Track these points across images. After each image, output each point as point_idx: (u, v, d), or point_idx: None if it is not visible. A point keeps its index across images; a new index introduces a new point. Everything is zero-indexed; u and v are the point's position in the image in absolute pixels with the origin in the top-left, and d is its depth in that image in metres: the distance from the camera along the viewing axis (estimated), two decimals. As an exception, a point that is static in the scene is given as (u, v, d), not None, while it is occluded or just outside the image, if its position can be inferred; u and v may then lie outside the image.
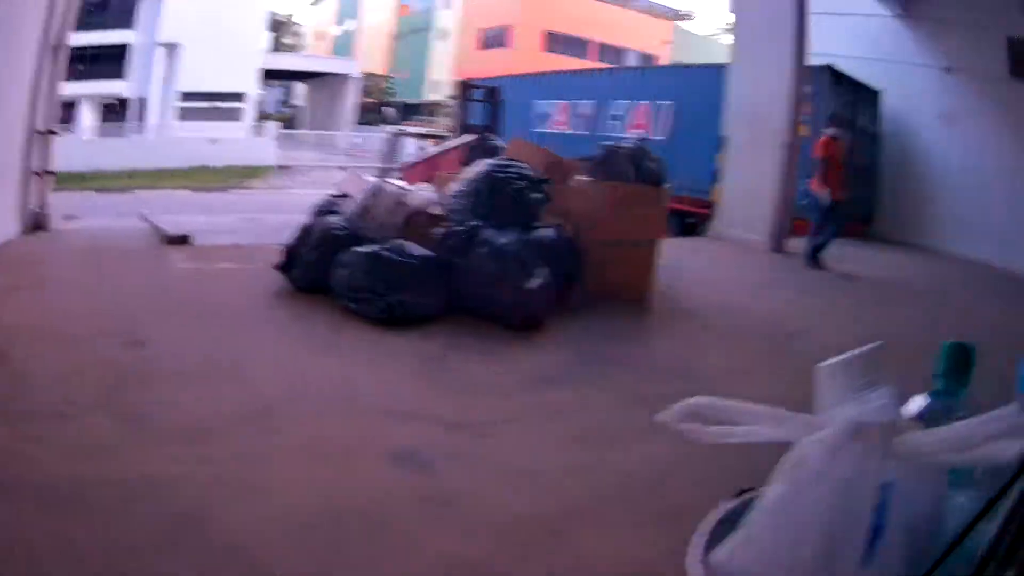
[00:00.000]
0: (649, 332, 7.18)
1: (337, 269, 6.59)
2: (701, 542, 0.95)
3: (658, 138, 17.47)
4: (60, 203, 9.88)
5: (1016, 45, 15.48)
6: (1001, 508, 0.82)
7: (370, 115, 49.03)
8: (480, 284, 6.48)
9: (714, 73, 16.40)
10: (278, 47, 49.13)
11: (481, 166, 7.67)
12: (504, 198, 7.24)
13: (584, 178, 8.11)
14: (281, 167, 33.36)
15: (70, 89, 31.83)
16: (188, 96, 35.66)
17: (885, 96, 17.64)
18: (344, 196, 8.11)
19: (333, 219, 7.26)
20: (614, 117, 19.55)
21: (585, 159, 8.87)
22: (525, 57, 40.28)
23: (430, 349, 5.75)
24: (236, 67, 36.26)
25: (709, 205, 14.01)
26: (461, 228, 6.83)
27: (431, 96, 50.16)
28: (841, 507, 0.84)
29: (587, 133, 19.91)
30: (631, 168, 7.95)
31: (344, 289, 6.47)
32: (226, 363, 5.05)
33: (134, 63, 35.31)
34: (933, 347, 1.27)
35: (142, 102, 35.49)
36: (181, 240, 9.16)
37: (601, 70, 24.46)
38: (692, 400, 0.99)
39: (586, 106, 20.60)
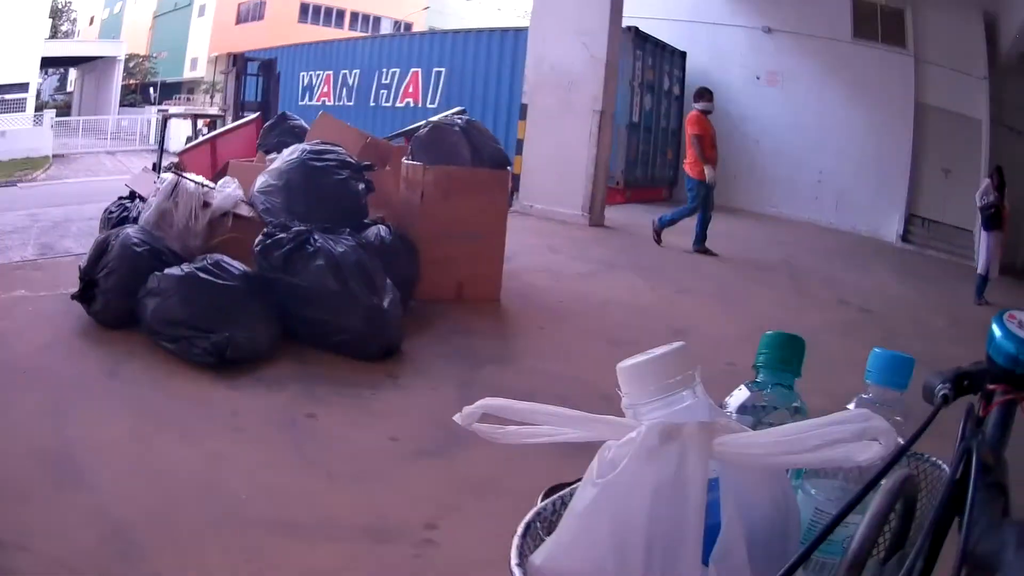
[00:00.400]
0: (525, 344, 6.00)
1: (145, 298, 4.92)
2: (517, 545, 0.88)
3: (431, 106, 16.76)
4: None
5: (863, 5, 15.75)
6: (869, 502, 0.81)
7: (132, 96, 46.23)
8: (320, 307, 4.98)
9: (495, 37, 16.43)
10: (55, 34, 46.08)
11: (292, 153, 6.13)
12: (325, 191, 5.85)
13: (410, 162, 6.65)
14: (56, 156, 31.10)
15: None
16: None
17: (692, 58, 17.58)
18: (135, 197, 6.64)
19: (130, 231, 5.47)
20: (383, 86, 18.73)
21: (405, 136, 7.86)
22: (280, 30, 38.27)
23: (284, 407, 4.27)
24: (20, 56, 33.19)
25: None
26: (283, 235, 5.20)
27: (191, 73, 47.29)
28: (665, 509, 0.80)
29: (352, 104, 19.33)
30: (466, 148, 6.58)
31: (158, 324, 4.81)
32: (59, 460, 3.46)
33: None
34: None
35: None
36: None
37: (368, 38, 22.99)
38: (486, 401, 0.90)
39: (352, 76, 19.76)
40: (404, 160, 6.77)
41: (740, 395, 1.07)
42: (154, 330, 4.87)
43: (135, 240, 5.33)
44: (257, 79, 14.08)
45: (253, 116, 10.30)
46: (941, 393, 0.89)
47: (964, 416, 0.85)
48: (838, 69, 15.61)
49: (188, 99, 44.44)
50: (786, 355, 1.08)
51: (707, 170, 10.21)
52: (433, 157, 6.49)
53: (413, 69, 18.20)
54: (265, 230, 5.36)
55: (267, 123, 8.45)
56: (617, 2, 11.53)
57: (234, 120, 12.86)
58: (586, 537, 0.81)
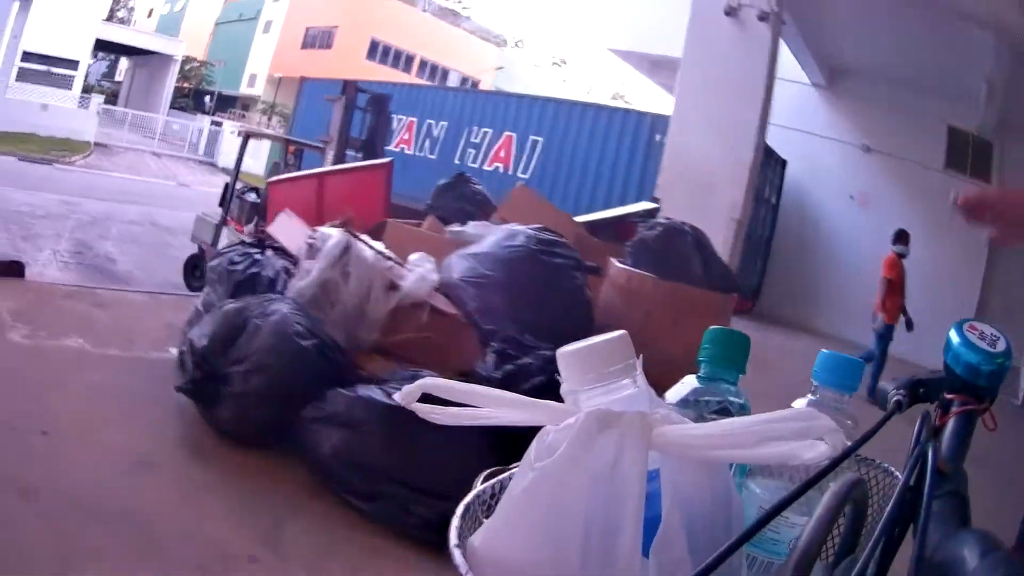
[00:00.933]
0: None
1: (319, 424, 3.50)
2: (456, 525, 0.81)
3: (523, 176, 15.91)
4: None
5: (957, 135, 15.03)
6: (813, 502, 0.77)
7: (184, 100, 44.88)
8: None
9: (603, 114, 15.55)
10: (110, 18, 45.00)
11: (512, 238, 4.75)
12: (559, 298, 4.56)
13: (628, 267, 5.35)
14: (98, 144, 29.65)
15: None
16: (29, 56, 30.97)
17: (791, 167, 16.82)
18: (265, 248, 5.04)
19: (287, 309, 3.91)
20: (471, 144, 17.59)
21: (592, 227, 6.65)
22: (347, 62, 37.36)
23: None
24: (75, 32, 31.90)
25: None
26: (530, 360, 3.86)
27: (248, 89, 46.04)
28: (603, 498, 0.76)
29: (434, 157, 18.18)
30: (698, 262, 5.35)
31: (344, 468, 3.37)
32: None
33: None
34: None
35: None
36: (10, 268, 6.18)
37: (461, 90, 22.25)
38: (424, 380, 0.88)
39: (438, 127, 18.55)
40: (616, 262, 5.46)
41: (682, 388, 1.06)
42: (335, 474, 3.42)
43: (299, 328, 3.83)
44: (364, 113, 12.66)
45: (385, 160, 9.12)
46: (895, 399, 0.91)
47: (919, 423, 0.85)
48: (926, 197, 14.72)
49: (243, 115, 43.51)
50: (731, 352, 1.06)
51: (880, 316, 9.88)
52: (663, 268, 5.21)
53: (507, 132, 17.08)
54: (495, 346, 4.06)
55: (441, 183, 7.19)
56: (767, 105, 10.76)
57: (336, 157, 11.68)
58: (523, 522, 0.80)
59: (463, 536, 0.82)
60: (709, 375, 1.06)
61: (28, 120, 27.74)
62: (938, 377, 0.91)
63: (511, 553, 0.79)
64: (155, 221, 16.82)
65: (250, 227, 9.96)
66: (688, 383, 1.06)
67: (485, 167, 17.01)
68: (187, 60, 44.71)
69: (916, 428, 0.83)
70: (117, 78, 54.46)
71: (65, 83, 32.64)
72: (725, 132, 10.67)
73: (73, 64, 33.25)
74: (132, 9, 61.44)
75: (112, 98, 42.29)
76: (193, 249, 10.85)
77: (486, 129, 17.53)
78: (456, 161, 17.60)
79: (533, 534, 0.78)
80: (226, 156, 32.98)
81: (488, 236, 4.98)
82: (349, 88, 12.42)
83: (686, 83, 11.67)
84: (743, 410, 1.03)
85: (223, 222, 10.46)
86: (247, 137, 12.11)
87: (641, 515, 0.78)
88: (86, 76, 36.49)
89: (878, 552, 0.75)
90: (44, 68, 31.79)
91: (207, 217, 10.81)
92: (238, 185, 10.88)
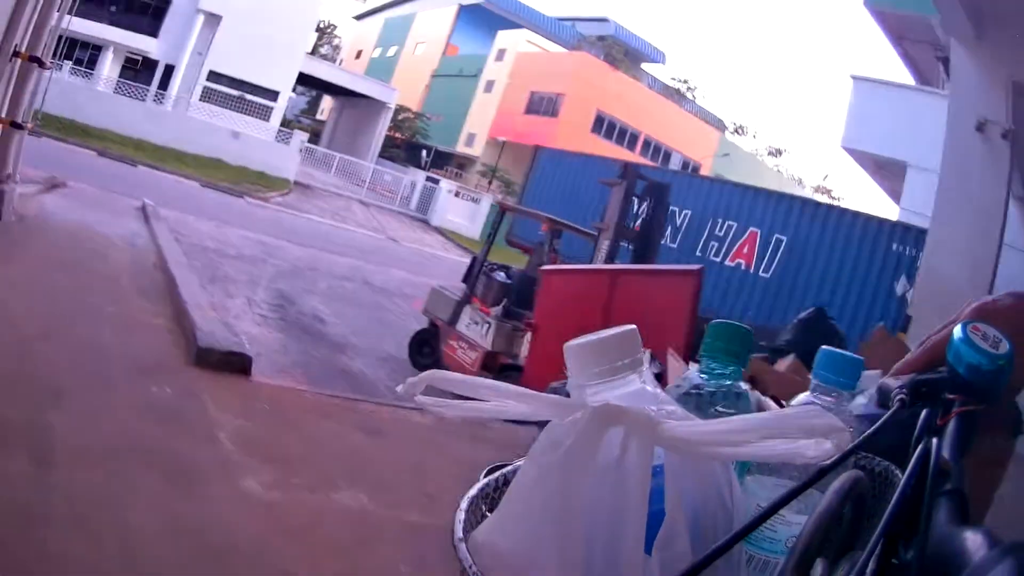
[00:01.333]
0: None
1: None
2: (460, 520, 0.81)
3: (763, 275, 15.21)
4: (53, 154, 6.08)
5: None
6: (812, 501, 0.78)
7: (395, 151, 44.14)
8: None
9: (848, 219, 14.82)
10: (313, 52, 44.82)
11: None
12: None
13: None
14: (298, 183, 28.78)
15: (93, 29, 26.78)
16: (217, 77, 30.74)
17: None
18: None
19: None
20: (714, 237, 16.36)
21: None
22: (572, 132, 36.14)
23: None
24: (275, 60, 31.35)
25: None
26: None
27: (465, 148, 45.01)
28: (607, 493, 0.77)
29: (674, 246, 16.96)
30: None
31: None
32: None
33: (170, 24, 30.25)
34: None
35: (169, 69, 30.39)
36: (231, 362, 4.67)
37: (708, 179, 21.23)
38: (430, 373, 0.84)
39: (682, 215, 17.25)
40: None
41: (686, 383, 1.03)
42: None
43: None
44: (640, 202, 11.26)
45: (694, 268, 7.97)
46: (897, 397, 0.88)
47: (921, 421, 0.87)
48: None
49: (458, 174, 42.79)
50: (733, 346, 1.01)
51: None
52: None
53: (752, 229, 15.85)
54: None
55: (801, 316, 6.71)
56: (1003, 227, 10.20)
57: (611, 247, 10.37)
58: (527, 516, 0.80)
59: (467, 531, 0.82)
60: (711, 369, 1.01)
61: (215, 145, 27.04)
62: (940, 377, 0.89)
63: (515, 547, 0.79)
64: (367, 279, 15.51)
65: (497, 310, 9.17)
66: (691, 378, 1.02)
67: (727, 263, 16.02)
68: (400, 109, 43.87)
69: (918, 427, 0.84)
70: (319, 116, 54.84)
71: (262, 113, 32.20)
72: (975, 254, 10.21)
73: (273, 95, 32.82)
74: (338, 48, 62.34)
75: (314, 137, 41.76)
76: (422, 322, 10.43)
77: (731, 222, 16.33)
78: (698, 253, 16.56)
79: (537, 528, 0.78)
80: (441, 215, 32.29)
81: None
82: (629, 173, 11.19)
83: (943, 200, 11.03)
84: (743, 401, 1.00)
85: (467, 299, 9.65)
86: (503, 211, 11.20)
87: (645, 511, 0.78)
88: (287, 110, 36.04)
89: (879, 550, 0.72)
90: (236, 93, 31.49)
91: (446, 291, 10.10)
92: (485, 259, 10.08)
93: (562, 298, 7.79)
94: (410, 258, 21.51)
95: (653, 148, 41.94)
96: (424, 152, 42.36)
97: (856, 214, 15.03)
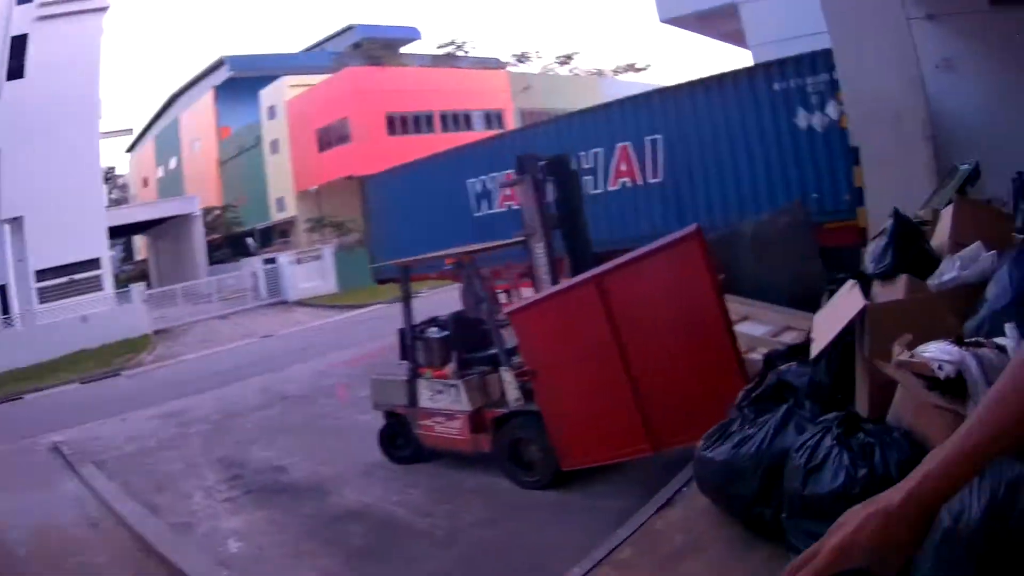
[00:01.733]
0: None
1: None
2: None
3: (654, 180, 13.79)
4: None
5: None
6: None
7: (219, 252, 43.27)
8: None
9: (713, 87, 13.22)
10: (107, 203, 43.43)
11: None
12: None
13: None
14: (157, 332, 28.25)
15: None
16: (43, 274, 29.64)
17: None
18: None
19: None
20: (585, 172, 14.53)
21: None
22: (370, 147, 35.88)
23: None
24: (84, 231, 30.29)
25: (857, 231, 9.97)
26: None
27: (280, 214, 43.99)
28: None
29: None
30: None
31: None
32: None
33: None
34: None
35: (2, 290, 29.11)
36: None
37: (559, 118, 19.42)
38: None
39: None
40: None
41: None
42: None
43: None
44: (545, 186, 9.84)
45: (691, 229, 6.59)
46: None
47: None
48: None
49: (286, 242, 41.95)
50: None
51: None
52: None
53: (619, 144, 14.46)
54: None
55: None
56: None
57: (547, 247, 9.30)
58: None
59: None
60: None
61: (71, 338, 26.33)
62: None
63: None
64: (281, 393, 14.91)
65: (451, 367, 8.51)
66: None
67: (611, 187, 14.68)
68: (206, 211, 43.49)
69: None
70: (138, 258, 53.87)
71: (92, 285, 31.04)
72: (894, 57, 9.95)
73: (95, 263, 31.63)
74: (124, 186, 60.56)
75: (143, 277, 40.98)
76: (364, 410, 10.08)
77: (595, 150, 14.96)
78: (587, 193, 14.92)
79: None
80: (294, 288, 32.57)
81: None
82: (528, 162, 9.59)
83: (838, 27, 10.41)
84: None
85: (415, 375, 8.85)
86: (407, 270, 9.65)
87: None
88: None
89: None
90: (66, 279, 30.34)
91: (387, 376, 9.37)
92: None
93: (547, 331, 7.12)
94: (295, 345, 21.23)
95: (452, 119, 41.60)
96: (248, 239, 41.83)
97: (717, 77, 13.37)
